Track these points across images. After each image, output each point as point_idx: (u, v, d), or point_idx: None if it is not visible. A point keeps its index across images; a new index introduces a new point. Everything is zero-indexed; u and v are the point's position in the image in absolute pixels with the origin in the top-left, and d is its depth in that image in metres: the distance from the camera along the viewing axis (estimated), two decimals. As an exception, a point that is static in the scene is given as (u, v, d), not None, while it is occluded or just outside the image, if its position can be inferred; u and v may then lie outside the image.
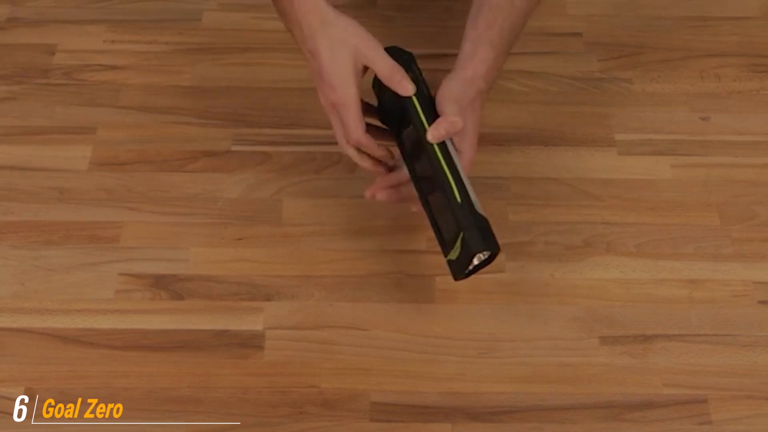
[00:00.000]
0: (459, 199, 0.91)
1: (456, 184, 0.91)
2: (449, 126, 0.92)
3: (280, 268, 1.02)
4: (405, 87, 0.93)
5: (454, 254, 0.92)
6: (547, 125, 1.17)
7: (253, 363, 0.95)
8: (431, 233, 1.03)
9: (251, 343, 0.96)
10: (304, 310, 0.99)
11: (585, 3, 1.33)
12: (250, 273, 1.02)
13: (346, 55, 0.92)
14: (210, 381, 0.94)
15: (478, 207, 0.92)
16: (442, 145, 0.93)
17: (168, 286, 1.00)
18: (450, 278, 1.00)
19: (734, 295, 1.01)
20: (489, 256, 0.93)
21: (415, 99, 0.94)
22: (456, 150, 0.95)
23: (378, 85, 0.97)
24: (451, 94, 0.94)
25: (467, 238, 0.90)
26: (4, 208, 1.07)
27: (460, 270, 0.93)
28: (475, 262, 0.92)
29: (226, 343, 0.96)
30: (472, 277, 0.99)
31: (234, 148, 1.14)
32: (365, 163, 0.97)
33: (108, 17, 1.29)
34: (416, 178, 0.96)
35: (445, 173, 0.92)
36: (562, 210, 1.08)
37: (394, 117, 0.97)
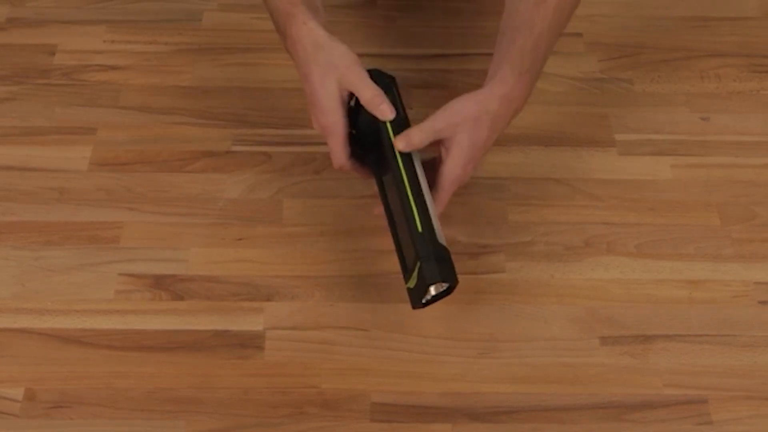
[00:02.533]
0: (420, 229, 0.90)
1: (419, 213, 0.91)
2: (413, 135, 0.93)
3: (280, 269, 1.02)
4: (383, 111, 0.94)
5: (412, 283, 0.91)
6: (547, 125, 1.17)
7: (254, 363, 0.95)
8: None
9: (251, 343, 0.96)
10: (304, 311, 0.99)
11: (585, 3, 1.32)
12: (250, 273, 1.02)
13: (333, 81, 0.94)
14: (210, 381, 0.94)
15: (441, 238, 0.91)
16: (411, 173, 0.93)
17: (168, 287, 1.00)
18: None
19: (734, 295, 1.01)
20: (447, 288, 0.92)
21: (388, 125, 0.95)
22: (442, 164, 0.95)
23: (359, 104, 0.97)
24: (448, 107, 0.95)
25: (423, 268, 0.89)
26: (4, 209, 1.07)
27: (417, 299, 0.92)
28: (432, 292, 0.92)
29: (226, 344, 0.96)
30: (472, 277, 1.00)
31: (234, 148, 1.14)
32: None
33: (108, 17, 1.29)
34: (386, 204, 0.96)
35: (409, 201, 0.91)
36: (562, 210, 1.08)
37: (368, 141, 0.97)
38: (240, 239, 1.05)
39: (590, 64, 1.25)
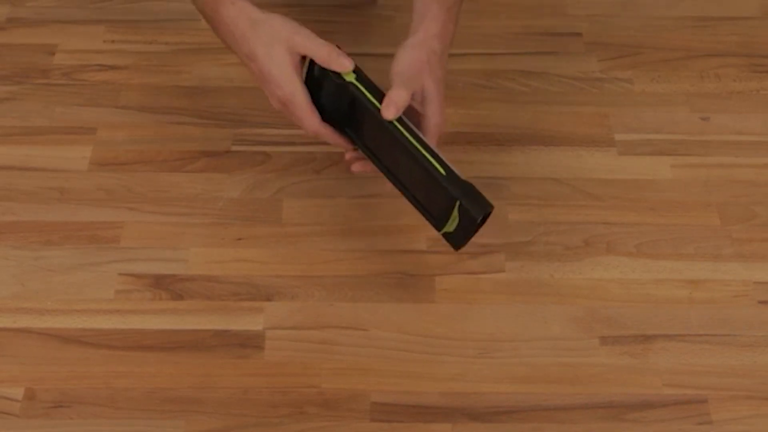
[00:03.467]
0: (443, 172, 0.90)
1: (434, 158, 0.91)
2: (396, 99, 0.91)
3: (280, 268, 1.02)
4: (343, 63, 0.92)
5: (451, 226, 0.91)
6: (547, 125, 1.17)
7: (253, 363, 0.95)
8: (431, 233, 1.04)
9: (251, 343, 0.96)
10: (304, 310, 0.99)
11: (585, 3, 1.33)
12: (250, 273, 1.02)
13: (282, 50, 0.92)
14: (210, 381, 0.94)
15: (459, 173, 0.92)
16: (403, 122, 0.92)
17: (168, 286, 1.00)
18: (450, 278, 1.01)
19: (734, 295, 1.01)
20: (485, 216, 0.92)
21: (357, 83, 0.93)
22: (422, 116, 0.94)
23: (314, 82, 0.94)
24: (400, 63, 0.94)
25: (466, 206, 0.89)
26: (4, 208, 1.07)
27: (462, 238, 0.92)
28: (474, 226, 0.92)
29: (226, 344, 0.96)
30: (472, 277, 1.00)
31: (234, 148, 1.14)
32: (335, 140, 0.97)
33: (108, 17, 1.29)
34: (381, 164, 0.95)
35: (419, 150, 0.91)
36: (562, 210, 1.08)
37: (338, 111, 0.95)
38: (240, 239, 1.05)
39: (590, 63, 1.25)
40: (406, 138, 0.91)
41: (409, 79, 0.93)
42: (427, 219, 0.94)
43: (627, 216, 1.08)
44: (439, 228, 0.93)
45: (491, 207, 0.91)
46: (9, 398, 0.92)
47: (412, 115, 0.94)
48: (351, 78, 0.93)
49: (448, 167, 0.91)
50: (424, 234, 1.04)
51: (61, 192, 1.09)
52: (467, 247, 1.00)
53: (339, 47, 0.94)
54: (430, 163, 0.91)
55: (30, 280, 1.01)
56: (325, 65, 0.92)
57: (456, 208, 0.90)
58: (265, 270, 1.02)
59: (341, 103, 0.94)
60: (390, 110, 0.91)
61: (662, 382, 0.94)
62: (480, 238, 1.04)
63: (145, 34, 1.27)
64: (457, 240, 0.93)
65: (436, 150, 0.92)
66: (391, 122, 0.92)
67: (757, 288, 1.01)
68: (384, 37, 1.28)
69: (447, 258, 1.03)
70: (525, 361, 0.96)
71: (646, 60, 1.26)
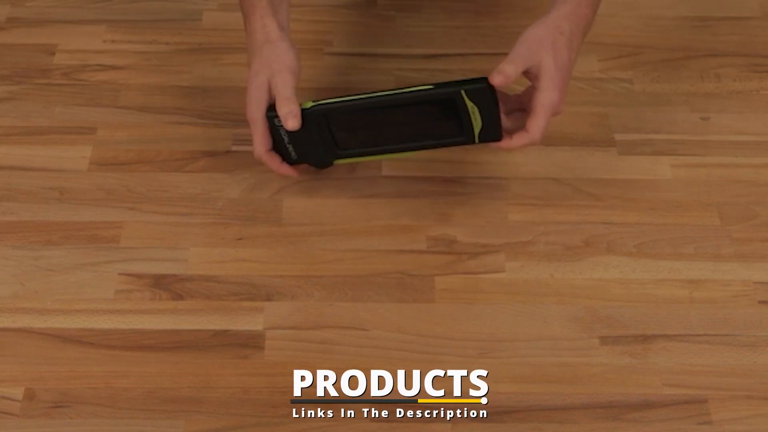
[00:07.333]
0: (432, 86, 0.95)
1: (413, 89, 0.96)
2: (506, 69, 0.94)
3: (280, 268, 1.02)
4: (289, 122, 0.98)
5: (477, 125, 0.95)
6: (547, 125, 1.17)
7: (253, 363, 0.95)
8: (432, 233, 1.04)
9: (251, 343, 0.96)
10: (304, 310, 0.99)
11: (585, 3, 1.33)
12: (250, 273, 1.02)
13: (264, 77, 0.99)
14: (210, 381, 0.94)
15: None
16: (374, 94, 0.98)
17: (168, 286, 1.00)
18: (449, 278, 1.01)
19: (734, 295, 1.01)
20: (489, 85, 0.95)
21: (316, 103, 0.99)
22: (534, 91, 0.97)
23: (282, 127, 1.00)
24: (523, 37, 0.97)
25: (469, 87, 0.94)
26: (4, 208, 1.07)
27: (495, 123, 0.96)
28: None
29: (226, 343, 0.96)
30: (472, 277, 1.00)
31: (234, 148, 1.14)
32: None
33: (108, 17, 1.29)
34: (378, 148, 1.00)
35: (403, 93, 0.96)
36: (562, 210, 1.08)
37: (305, 146, 1.01)
38: (240, 239, 1.05)
39: (590, 63, 1.25)
40: (388, 94, 0.97)
41: (529, 54, 0.96)
42: (459, 139, 0.98)
43: (627, 216, 1.08)
44: (472, 135, 0.97)
45: (485, 77, 0.95)
46: (9, 398, 0.92)
47: (525, 91, 0.98)
48: (307, 105, 0.98)
49: (431, 83, 0.96)
50: (424, 234, 1.04)
51: (61, 192, 1.08)
52: (467, 247, 1.00)
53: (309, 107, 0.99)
54: (419, 91, 0.95)
55: (30, 280, 1.01)
56: (277, 109, 0.98)
57: (466, 99, 0.94)
58: (265, 270, 1.02)
59: (307, 136, 1.00)
60: (497, 77, 0.94)
61: (662, 382, 0.94)
62: (480, 238, 1.04)
63: (145, 34, 1.27)
64: (493, 131, 0.96)
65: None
66: (369, 95, 0.97)
67: (757, 288, 1.01)
68: (384, 37, 1.28)
69: (447, 258, 1.03)
70: (525, 361, 0.96)
71: (646, 60, 1.26)
